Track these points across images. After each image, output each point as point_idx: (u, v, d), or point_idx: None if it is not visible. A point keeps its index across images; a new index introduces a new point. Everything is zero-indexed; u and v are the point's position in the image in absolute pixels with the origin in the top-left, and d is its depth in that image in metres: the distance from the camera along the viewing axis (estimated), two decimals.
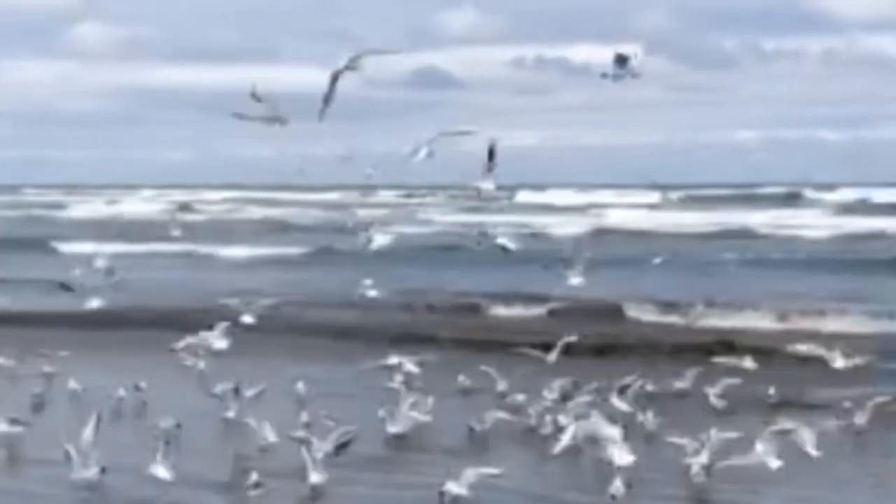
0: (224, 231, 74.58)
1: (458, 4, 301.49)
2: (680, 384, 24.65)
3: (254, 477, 17.99)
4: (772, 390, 24.57)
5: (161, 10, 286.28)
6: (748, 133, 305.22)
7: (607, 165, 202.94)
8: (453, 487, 17.32)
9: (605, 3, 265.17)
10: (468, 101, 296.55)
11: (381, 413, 22.03)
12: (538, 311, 38.92)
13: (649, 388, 23.52)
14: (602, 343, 31.26)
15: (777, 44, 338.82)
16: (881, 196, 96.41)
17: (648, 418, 21.75)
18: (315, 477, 18.23)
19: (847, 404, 22.53)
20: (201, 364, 24.80)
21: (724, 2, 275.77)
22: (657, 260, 33.81)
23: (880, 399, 22.45)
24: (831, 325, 35.12)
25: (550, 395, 22.88)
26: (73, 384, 24.95)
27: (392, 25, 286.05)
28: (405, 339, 30.64)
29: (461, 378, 25.98)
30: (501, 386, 24.74)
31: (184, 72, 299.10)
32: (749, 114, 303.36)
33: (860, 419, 22.01)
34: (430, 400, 22.70)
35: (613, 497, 17.50)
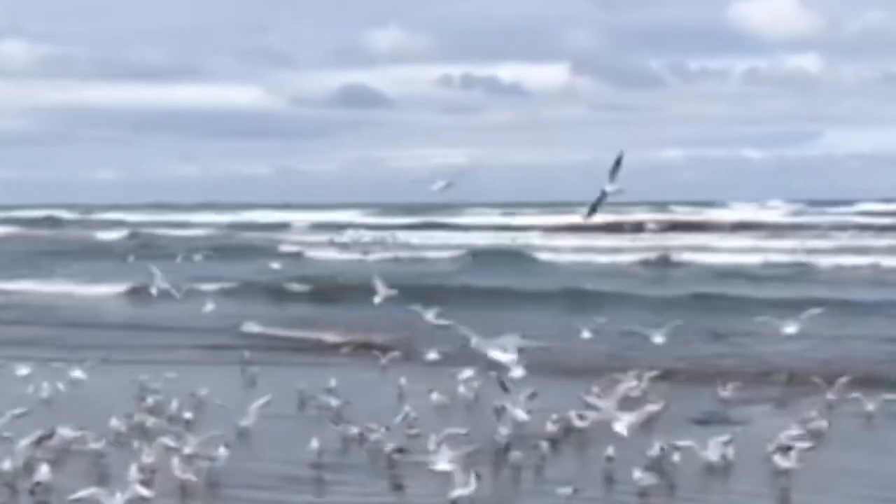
0: None
1: (385, 23, 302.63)
2: None
3: None
4: None
5: (86, 27, 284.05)
6: (673, 151, 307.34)
7: (534, 184, 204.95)
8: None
9: (533, 23, 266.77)
10: (396, 119, 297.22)
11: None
12: None
13: None
14: None
15: (702, 63, 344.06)
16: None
17: None
18: None
19: None
20: None
21: (649, 22, 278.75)
22: None
23: None
24: None
25: None
26: None
27: (320, 44, 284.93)
28: None
29: None
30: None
31: (110, 90, 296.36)
32: (674, 133, 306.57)
33: None
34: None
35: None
